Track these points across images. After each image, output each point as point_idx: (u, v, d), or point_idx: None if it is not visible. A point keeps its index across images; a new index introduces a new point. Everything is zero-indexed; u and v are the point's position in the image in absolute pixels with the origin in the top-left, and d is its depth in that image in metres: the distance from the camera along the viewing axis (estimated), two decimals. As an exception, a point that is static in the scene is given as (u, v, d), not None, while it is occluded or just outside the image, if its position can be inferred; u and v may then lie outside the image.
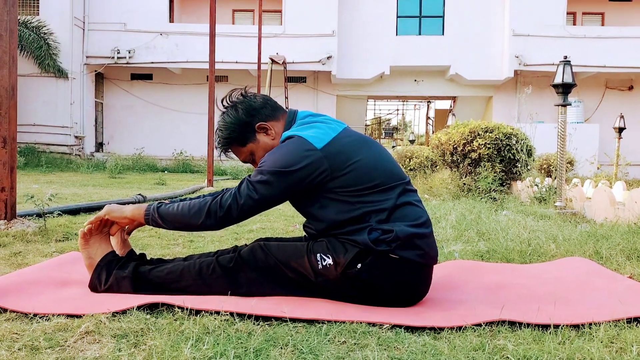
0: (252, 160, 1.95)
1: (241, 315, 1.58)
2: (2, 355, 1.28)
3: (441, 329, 1.52)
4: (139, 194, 5.08)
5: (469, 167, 6.29)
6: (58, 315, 1.57)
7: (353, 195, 1.74)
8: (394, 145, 22.09)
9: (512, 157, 6.14)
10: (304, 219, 1.93)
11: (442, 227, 3.57)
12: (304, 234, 1.99)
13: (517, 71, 15.78)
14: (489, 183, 5.76)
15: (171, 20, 16.51)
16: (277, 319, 1.57)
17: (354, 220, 1.74)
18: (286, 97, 14.79)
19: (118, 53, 15.40)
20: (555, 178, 5.32)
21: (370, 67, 15.95)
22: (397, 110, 27.94)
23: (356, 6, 16.02)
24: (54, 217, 3.58)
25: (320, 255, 1.75)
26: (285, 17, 15.77)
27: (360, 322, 1.53)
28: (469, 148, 6.16)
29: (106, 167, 12.19)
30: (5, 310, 1.62)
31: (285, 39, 15.53)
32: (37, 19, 14.32)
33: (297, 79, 16.61)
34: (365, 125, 21.43)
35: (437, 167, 7.76)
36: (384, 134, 30.12)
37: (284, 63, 14.74)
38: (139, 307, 1.62)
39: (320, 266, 1.74)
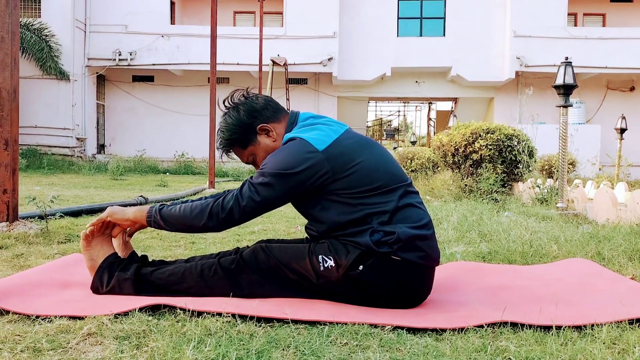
0: (254, 162, 1.95)
1: (243, 317, 1.58)
2: (5, 357, 1.28)
3: (443, 330, 1.52)
4: (141, 196, 5.09)
5: (470, 169, 6.28)
6: (60, 317, 1.57)
7: (355, 197, 1.74)
8: (395, 146, 22.09)
9: (513, 158, 6.14)
10: (306, 221, 1.93)
11: (444, 229, 3.56)
12: (305, 235, 1.99)
13: (519, 72, 15.78)
14: (490, 184, 5.75)
15: (172, 22, 16.53)
16: (279, 320, 1.57)
17: (356, 222, 1.74)
18: (287, 99, 14.81)
19: (119, 55, 15.42)
20: (556, 179, 5.32)
21: (372, 69, 15.95)
22: (399, 111, 27.94)
23: (357, 8, 16.03)
24: (55, 219, 3.59)
25: (322, 257, 1.75)
26: (286, 19, 15.78)
27: (362, 324, 1.53)
28: (471, 149, 6.15)
29: (108, 169, 12.20)
30: (7, 312, 1.62)
31: (286, 40, 15.55)
32: (38, 21, 14.35)
33: (298, 81, 16.62)
34: (367, 127, 21.43)
35: (439, 168, 7.75)
36: (385, 135, 30.10)
37: (285, 65, 14.76)
38: (141, 309, 1.62)
39: (322, 268, 1.74)
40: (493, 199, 5.60)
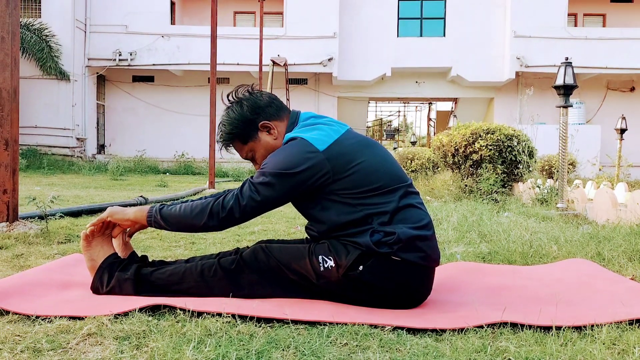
0: (252, 158, 1.95)
1: (243, 317, 1.58)
2: (5, 358, 1.28)
3: (443, 330, 1.52)
4: (141, 196, 5.09)
5: (470, 169, 6.29)
6: (60, 317, 1.57)
7: (355, 197, 1.74)
8: (395, 146, 22.12)
9: (513, 158, 6.14)
10: (306, 221, 1.93)
11: (444, 229, 3.56)
12: (305, 236, 1.99)
13: (519, 73, 15.78)
14: (490, 184, 5.75)
15: (173, 22, 16.54)
16: (278, 320, 1.57)
17: (356, 223, 1.74)
18: (287, 99, 14.80)
19: (120, 55, 15.43)
20: (556, 179, 5.32)
21: (372, 69, 15.96)
22: (399, 111, 27.94)
23: (357, 8, 16.04)
24: (55, 219, 3.59)
25: (322, 257, 1.75)
26: (286, 19, 15.79)
27: (362, 324, 1.53)
28: (471, 150, 6.16)
29: (108, 169, 12.21)
30: (7, 312, 1.62)
31: (286, 40, 15.55)
32: (39, 22, 14.36)
33: (298, 81, 16.62)
34: (367, 127, 21.43)
35: (439, 168, 7.75)
36: (385, 135, 30.11)
37: (285, 65, 14.75)
38: (141, 309, 1.62)
39: (322, 268, 1.75)
40: (493, 200, 5.60)
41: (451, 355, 1.34)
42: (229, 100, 1.95)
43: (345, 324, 1.54)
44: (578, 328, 1.53)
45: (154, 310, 1.65)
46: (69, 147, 14.93)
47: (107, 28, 15.45)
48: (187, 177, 12.76)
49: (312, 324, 1.56)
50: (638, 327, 1.56)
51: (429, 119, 23.05)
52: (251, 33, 15.27)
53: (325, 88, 16.87)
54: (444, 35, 16.22)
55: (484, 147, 6.05)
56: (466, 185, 6.23)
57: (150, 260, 2.01)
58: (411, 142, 19.14)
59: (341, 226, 1.75)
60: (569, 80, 4.88)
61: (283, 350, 1.35)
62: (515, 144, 6.12)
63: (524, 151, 6.20)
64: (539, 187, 5.83)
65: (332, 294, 1.78)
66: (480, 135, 6.16)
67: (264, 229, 3.69)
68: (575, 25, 17.24)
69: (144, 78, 16.70)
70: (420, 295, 1.80)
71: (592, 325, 1.52)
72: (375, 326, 1.54)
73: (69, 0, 14.60)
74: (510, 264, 2.61)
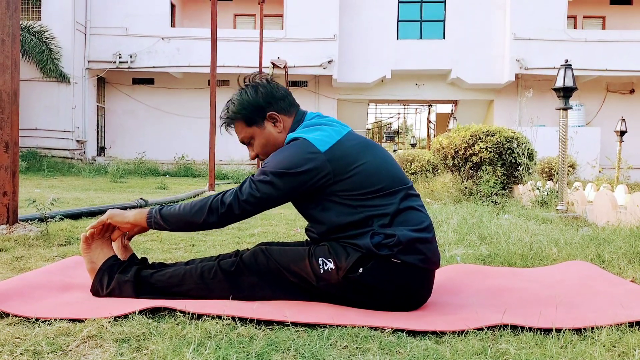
0: (250, 143, 1.94)
1: (243, 320, 1.57)
2: (4, 360, 1.28)
3: (443, 333, 1.51)
4: (141, 198, 5.09)
5: (470, 171, 6.29)
6: (60, 319, 1.57)
7: (356, 199, 1.74)
8: (395, 149, 22.10)
9: (513, 160, 6.14)
10: (306, 223, 1.93)
11: (444, 231, 3.56)
12: (305, 238, 1.99)
13: (518, 75, 15.79)
14: (490, 187, 5.75)
15: (173, 24, 16.55)
16: (278, 323, 1.57)
17: (356, 224, 1.74)
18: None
19: (120, 57, 15.44)
20: (556, 182, 5.32)
21: (372, 71, 15.97)
22: (399, 114, 27.96)
23: (357, 10, 16.06)
24: (55, 221, 3.59)
25: (322, 260, 1.75)
26: (286, 22, 15.80)
27: (362, 327, 1.53)
28: (471, 152, 6.16)
29: (108, 172, 12.20)
30: (7, 314, 1.62)
31: (286, 43, 15.56)
32: (39, 24, 14.37)
33: (298, 83, 16.64)
34: (367, 129, 21.44)
35: (439, 170, 7.76)
36: (385, 137, 30.13)
37: (285, 67, 14.77)
38: (140, 312, 1.62)
39: (321, 270, 1.74)
40: (493, 202, 5.60)
41: (451, 357, 1.33)
42: (244, 82, 1.95)
43: (345, 327, 1.53)
44: (578, 330, 1.53)
45: (153, 312, 1.65)
46: (69, 150, 14.93)
47: (107, 30, 15.46)
48: (187, 180, 12.76)
49: (312, 326, 1.56)
50: (638, 329, 1.56)
51: (429, 121, 23.07)
52: (251, 35, 15.28)
53: (325, 90, 16.88)
54: (444, 38, 16.24)
55: (483, 150, 6.05)
56: (466, 188, 6.23)
57: (149, 262, 2.01)
58: (411, 145, 19.16)
59: (341, 227, 1.76)
60: (569, 83, 4.88)
61: (283, 352, 1.35)
62: (515, 146, 6.12)
63: (523, 153, 6.20)
64: (539, 190, 5.83)
65: (332, 296, 1.78)
66: (480, 138, 6.16)
67: (263, 231, 3.69)
68: (575, 28, 17.26)
69: (144, 80, 16.71)
70: (420, 297, 1.80)
71: (592, 328, 1.52)
72: (375, 328, 1.54)
73: (69, 3, 14.62)
74: (510, 266, 2.61)
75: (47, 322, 1.55)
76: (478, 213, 4.45)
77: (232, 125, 1.93)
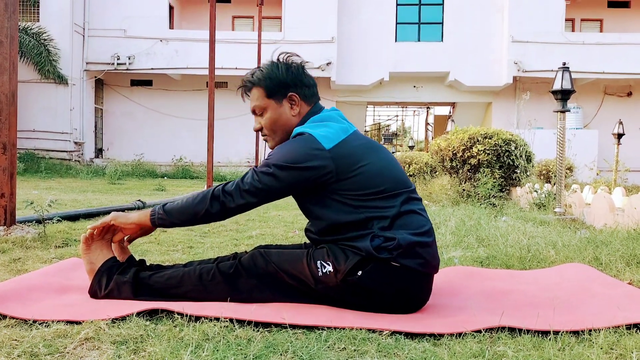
0: (261, 114, 1.92)
1: (241, 322, 1.57)
2: (2, 362, 1.28)
3: (441, 335, 1.52)
4: (139, 200, 5.08)
5: (468, 173, 6.29)
6: (57, 321, 1.56)
7: (357, 199, 1.74)
8: (393, 151, 22.14)
9: (511, 163, 6.15)
10: (305, 225, 1.92)
11: (442, 233, 3.57)
12: (304, 240, 1.99)
13: (516, 77, 15.82)
14: (488, 189, 5.76)
15: (171, 26, 16.54)
16: (276, 325, 1.57)
17: (356, 225, 1.74)
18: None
19: (118, 59, 15.43)
20: (554, 184, 5.33)
21: (370, 73, 15.98)
22: (397, 116, 27.99)
23: (356, 13, 16.08)
24: (53, 223, 3.58)
25: (321, 262, 1.75)
26: (284, 24, 15.82)
27: (360, 329, 1.53)
28: (468, 154, 6.17)
29: (106, 173, 12.18)
30: (4, 316, 1.62)
31: (284, 45, 15.49)
32: (37, 26, 14.35)
33: (296, 85, 16.61)
34: (365, 131, 21.45)
35: (437, 173, 7.76)
36: (383, 139, 30.16)
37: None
38: (138, 314, 1.62)
39: (320, 273, 1.74)
40: (491, 204, 5.61)
41: (449, 359, 1.34)
42: (278, 58, 1.94)
43: (343, 329, 1.54)
44: (576, 332, 1.54)
45: (151, 314, 1.64)
46: (66, 151, 14.91)
47: (105, 32, 15.44)
48: (185, 181, 12.74)
49: (310, 328, 1.56)
50: (636, 331, 1.56)
51: (427, 124, 23.08)
52: (249, 37, 15.28)
53: (324, 92, 16.87)
54: (442, 40, 16.26)
55: (481, 152, 6.06)
56: (464, 190, 6.24)
57: (148, 264, 2.00)
58: (409, 147, 19.18)
59: (340, 226, 1.75)
60: (567, 85, 4.90)
61: (281, 355, 1.35)
62: (513, 148, 6.13)
63: (521, 156, 6.21)
64: (537, 192, 5.84)
65: (331, 298, 1.78)
66: (478, 140, 6.17)
67: (262, 232, 3.69)
68: (573, 31, 17.30)
69: (142, 82, 16.69)
70: (419, 301, 1.80)
71: (590, 330, 1.53)
72: (373, 331, 1.54)
73: (67, 4, 14.61)
74: (508, 268, 2.61)
75: (44, 324, 1.55)
76: (476, 215, 4.46)
77: (249, 92, 1.93)
